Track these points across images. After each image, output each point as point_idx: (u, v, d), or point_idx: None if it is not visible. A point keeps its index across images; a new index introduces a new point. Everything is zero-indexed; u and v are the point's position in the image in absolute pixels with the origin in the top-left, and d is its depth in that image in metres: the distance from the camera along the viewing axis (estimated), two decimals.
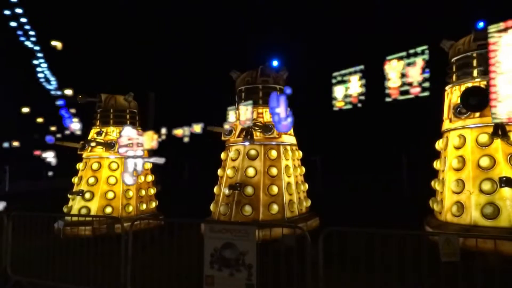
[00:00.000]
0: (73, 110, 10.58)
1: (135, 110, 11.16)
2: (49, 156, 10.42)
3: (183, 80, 37.72)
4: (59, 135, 10.72)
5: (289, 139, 9.82)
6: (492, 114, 5.26)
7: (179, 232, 5.73)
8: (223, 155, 9.94)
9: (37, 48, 9.62)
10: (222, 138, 9.89)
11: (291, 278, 4.89)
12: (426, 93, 5.37)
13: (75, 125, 10.54)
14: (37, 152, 10.45)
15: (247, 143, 9.12)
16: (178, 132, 9.43)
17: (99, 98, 10.81)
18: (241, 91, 9.78)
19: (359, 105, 6.07)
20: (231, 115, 9.17)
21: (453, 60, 7.75)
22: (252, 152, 9.21)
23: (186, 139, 9.39)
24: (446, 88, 7.96)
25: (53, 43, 9.34)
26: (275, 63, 9.73)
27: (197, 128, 9.28)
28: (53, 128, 10.77)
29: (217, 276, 4.97)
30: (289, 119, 7.97)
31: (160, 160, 9.64)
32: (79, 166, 10.89)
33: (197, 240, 5.51)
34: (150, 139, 9.08)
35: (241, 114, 8.50)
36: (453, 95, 7.69)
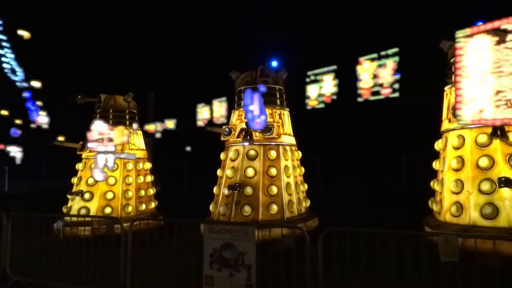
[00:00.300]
0: (39, 103, 10.25)
1: (134, 111, 11.15)
2: (14, 151, 10.16)
3: (183, 80, 37.69)
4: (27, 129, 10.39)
5: (289, 139, 9.83)
6: (457, 116, 5.37)
7: (179, 232, 5.74)
8: (222, 156, 9.94)
9: (2, 37, 9.37)
10: (222, 138, 9.90)
11: (290, 278, 4.90)
12: (396, 94, 5.50)
13: (42, 119, 10.23)
14: (0, 146, 10.22)
15: (246, 144, 9.12)
16: (149, 127, 9.29)
17: (99, 99, 10.81)
18: (241, 92, 9.77)
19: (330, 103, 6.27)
20: (202, 112, 9.06)
21: (452, 60, 7.74)
22: (252, 152, 9.22)
23: (158, 135, 9.23)
24: (445, 88, 7.96)
25: (20, 32, 9.07)
26: (274, 63, 9.71)
27: (170, 124, 9.11)
28: (18, 121, 10.45)
29: (216, 276, 4.97)
30: (263, 117, 7.85)
31: (131, 156, 9.54)
32: (79, 166, 10.89)
33: (196, 240, 5.51)
34: (120, 134, 8.99)
35: (215, 110, 8.45)
36: (452, 95, 7.68)
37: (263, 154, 9.22)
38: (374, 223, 5.60)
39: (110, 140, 8.74)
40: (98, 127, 8.79)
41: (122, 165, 10.44)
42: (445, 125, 7.87)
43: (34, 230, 6.46)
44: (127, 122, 10.81)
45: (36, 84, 9.87)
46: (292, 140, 10.02)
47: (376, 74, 5.59)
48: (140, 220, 7.16)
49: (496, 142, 6.84)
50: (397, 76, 5.50)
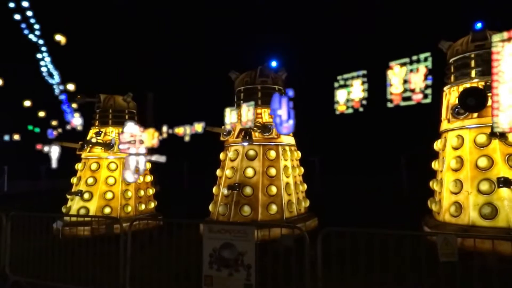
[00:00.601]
0: (74, 105, 10.41)
1: (133, 111, 11.16)
2: (53, 151, 10.25)
3: (182, 80, 37.71)
4: (60, 130, 10.53)
5: (288, 139, 9.84)
6: (493, 123, 5.19)
7: (178, 232, 5.74)
8: (222, 156, 9.95)
9: (40, 42, 9.46)
10: (221, 138, 9.90)
11: (289, 278, 4.90)
12: (428, 100, 5.27)
13: (76, 120, 10.36)
14: (39, 146, 10.34)
15: (246, 144, 9.13)
16: (179, 130, 9.20)
17: (98, 99, 10.81)
18: (240, 92, 9.79)
19: (361, 109, 5.94)
20: (230, 116, 8.98)
21: (451, 60, 7.77)
22: (251, 152, 9.22)
23: (187, 138, 9.14)
24: (445, 88, 7.98)
25: (57, 37, 9.15)
26: (273, 63, 9.70)
27: (199, 127, 8.93)
28: (54, 123, 10.57)
29: (216, 276, 4.98)
30: (291, 121, 7.72)
31: (161, 158, 9.50)
32: (78, 166, 10.88)
33: (196, 240, 5.51)
34: (151, 137, 8.91)
35: (243, 114, 8.34)
36: (451, 95, 7.71)
37: (263, 154, 9.22)
38: (373, 223, 5.61)
39: (141, 142, 8.66)
40: (130, 129, 8.67)
41: (121, 164, 10.44)
42: (444, 125, 7.88)
43: (34, 230, 6.46)
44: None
45: (70, 87, 10.04)
46: (291, 140, 10.02)
47: (408, 79, 5.43)
48: (140, 220, 7.16)
49: (495, 142, 6.86)
50: (429, 81, 5.23)
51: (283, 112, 7.38)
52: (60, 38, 9.04)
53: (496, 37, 5.06)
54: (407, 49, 5.65)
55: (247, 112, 8.12)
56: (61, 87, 10.02)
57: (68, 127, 10.49)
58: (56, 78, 9.87)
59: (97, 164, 10.46)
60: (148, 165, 11.25)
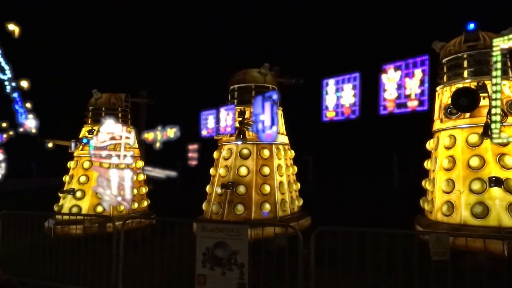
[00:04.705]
0: (28, 105, 9.17)
1: (127, 109, 11.10)
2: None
3: (176, 78, 37.51)
4: (11, 133, 9.41)
5: (282, 138, 9.84)
6: None
7: (171, 231, 5.72)
8: (215, 154, 9.93)
9: None
10: (215, 137, 9.86)
11: (282, 277, 4.91)
12: (423, 107, 4.85)
13: (30, 122, 9.16)
14: None
15: (239, 142, 9.12)
16: (148, 136, 7.72)
17: (96, 95, 10.71)
18: (234, 90, 9.76)
19: (352, 116, 5.49)
20: (207, 120, 7.82)
21: (444, 61, 7.82)
22: (245, 151, 9.22)
23: (158, 145, 7.66)
24: (437, 88, 8.03)
25: (10, 27, 7.97)
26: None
27: (171, 132, 7.60)
28: (4, 125, 9.41)
29: (209, 275, 4.97)
30: (274, 128, 6.63)
31: (161, 173, 7.74)
32: (70, 164, 10.80)
33: (189, 239, 5.50)
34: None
35: (222, 119, 7.41)
36: (444, 95, 7.76)
37: (256, 153, 9.22)
38: (366, 222, 5.63)
39: (128, 146, 6.28)
40: (109, 128, 6.56)
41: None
42: (436, 125, 7.93)
43: (25, 229, 6.41)
44: (119, 120, 10.76)
45: (24, 84, 8.70)
46: (285, 139, 10.03)
47: (402, 84, 4.92)
48: (133, 219, 7.13)
49: (487, 142, 6.91)
50: (425, 86, 4.77)
51: (266, 117, 6.57)
52: (13, 28, 7.94)
53: None
54: (402, 51, 5.39)
55: (226, 116, 7.29)
56: (14, 84, 8.76)
57: (21, 129, 9.20)
58: (8, 73, 8.76)
59: (90, 162, 10.36)
60: (142, 163, 11.20)
